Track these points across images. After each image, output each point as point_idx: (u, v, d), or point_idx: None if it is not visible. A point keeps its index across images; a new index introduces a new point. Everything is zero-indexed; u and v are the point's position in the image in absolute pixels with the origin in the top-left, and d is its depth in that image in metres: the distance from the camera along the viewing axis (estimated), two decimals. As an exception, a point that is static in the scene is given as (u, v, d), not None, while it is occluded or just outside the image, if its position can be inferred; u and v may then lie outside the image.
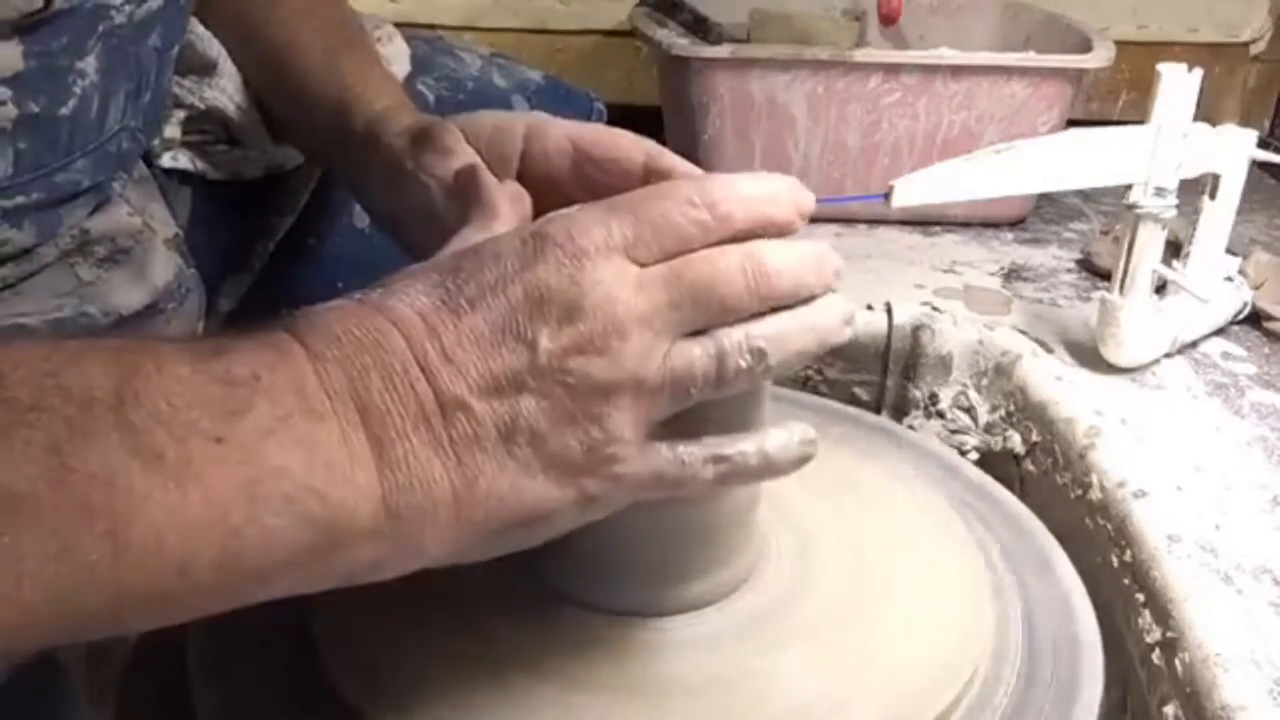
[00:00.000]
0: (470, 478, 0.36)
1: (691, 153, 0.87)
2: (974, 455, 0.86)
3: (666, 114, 1.18)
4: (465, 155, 0.54)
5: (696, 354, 0.38)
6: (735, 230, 0.39)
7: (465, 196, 0.48)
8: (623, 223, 0.38)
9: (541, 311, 0.37)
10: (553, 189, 0.52)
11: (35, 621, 0.31)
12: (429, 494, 0.36)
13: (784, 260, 0.39)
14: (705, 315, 0.38)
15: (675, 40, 1.10)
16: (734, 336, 0.39)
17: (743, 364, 0.39)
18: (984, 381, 0.87)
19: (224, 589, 0.34)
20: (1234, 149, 0.76)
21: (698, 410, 0.40)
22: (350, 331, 0.36)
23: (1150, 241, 0.77)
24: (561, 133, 0.53)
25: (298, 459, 0.34)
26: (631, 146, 0.51)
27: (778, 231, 0.40)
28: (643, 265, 0.38)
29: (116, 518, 0.31)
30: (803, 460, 0.43)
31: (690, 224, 0.38)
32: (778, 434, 0.42)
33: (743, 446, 0.41)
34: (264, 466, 0.33)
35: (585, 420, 0.37)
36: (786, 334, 0.40)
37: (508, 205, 0.47)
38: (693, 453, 0.40)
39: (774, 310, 0.39)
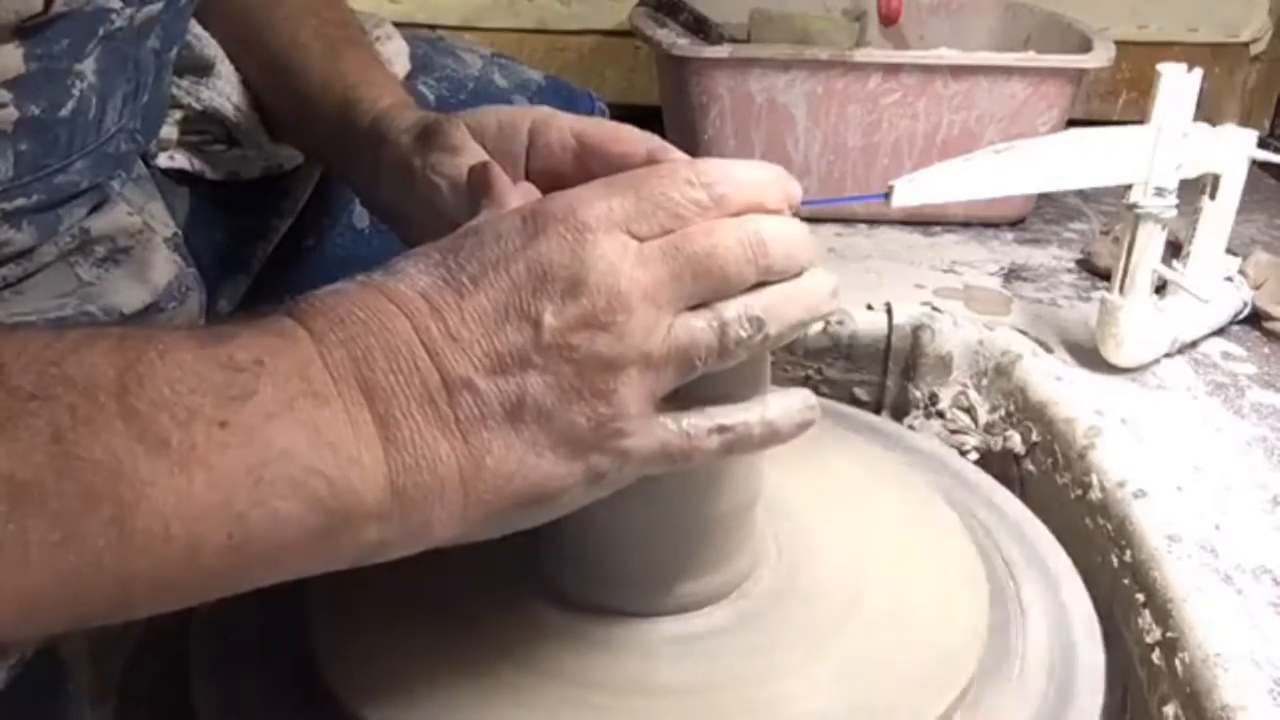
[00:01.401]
0: (477, 457, 0.36)
1: (692, 152, 0.86)
2: (974, 455, 0.86)
3: (666, 114, 1.18)
4: (474, 153, 0.54)
5: (699, 326, 0.39)
6: (730, 212, 0.40)
7: (477, 192, 0.48)
8: (624, 199, 0.38)
9: (545, 288, 0.37)
10: (557, 182, 0.52)
11: (42, 608, 0.31)
12: (435, 474, 0.36)
13: (779, 232, 0.40)
14: (706, 287, 0.39)
15: (675, 40, 1.10)
16: (734, 308, 0.39)
17: (743, 334, 0.39)
18: (984, 381, 0.87)
19: (231, 573, 0.34)
20: (1234, 149, 0.76)
21: (700, 383, 0.40)
22: (353, 314, 0.36)
23: (1150, 241, 0.77)
24: (566, 127, 0.53)
25: (303, 442, 0.34)
26: (635, 141, 0.51)
27: None
28: (642, 241, 0.38)
29: (121, 504, 0.31)
30: (804, 426, 0.43)
31: (688, 202, 0.39)
32: (778, 401, 0.43)
33: (745, 416, 0.41)
34: (269, 450, 0.33)
35: (592, 396, 0.37)
36: (782, 304, 0.40)
37: (519, 202, 0.47)
38: (697, 424, 0.40)
39: (767, 283, 0.40)
